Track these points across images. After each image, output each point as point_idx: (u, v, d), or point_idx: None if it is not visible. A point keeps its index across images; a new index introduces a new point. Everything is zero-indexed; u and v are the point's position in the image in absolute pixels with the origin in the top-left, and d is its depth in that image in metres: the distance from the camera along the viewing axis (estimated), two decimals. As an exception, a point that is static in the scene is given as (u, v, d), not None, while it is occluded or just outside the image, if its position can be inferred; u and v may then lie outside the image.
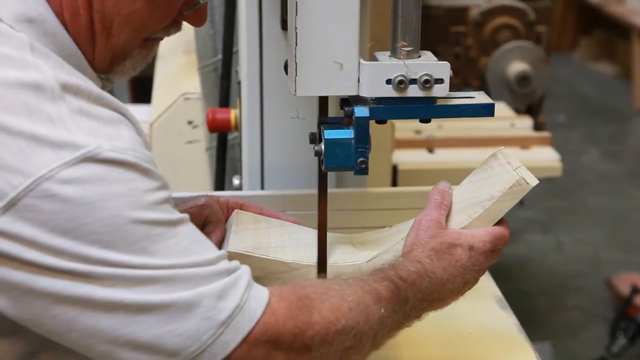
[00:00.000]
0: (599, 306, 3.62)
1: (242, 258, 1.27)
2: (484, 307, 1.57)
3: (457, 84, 3.03)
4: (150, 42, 1.19)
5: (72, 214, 0.97)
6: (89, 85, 1.04)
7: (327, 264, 1.33)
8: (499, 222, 1.30)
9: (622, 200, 4.66)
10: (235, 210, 1.40)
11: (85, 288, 0.98)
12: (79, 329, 1.00)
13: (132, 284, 0.99)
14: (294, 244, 1.36)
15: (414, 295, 1.19)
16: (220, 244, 1.35)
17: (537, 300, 3.62)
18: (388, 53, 1.27)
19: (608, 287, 3.66)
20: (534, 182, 1.27)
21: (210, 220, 1.38)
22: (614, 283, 3.61)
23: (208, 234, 1.20)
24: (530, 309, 3.48)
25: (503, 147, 1.36)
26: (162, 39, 1.21)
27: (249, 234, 1.35)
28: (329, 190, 1.37)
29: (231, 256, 1.25)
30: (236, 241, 1.33)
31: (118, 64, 1.17)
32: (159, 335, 1.00)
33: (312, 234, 1.37)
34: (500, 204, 1.28)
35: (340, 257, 1.35)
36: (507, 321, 1.54)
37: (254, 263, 1.23)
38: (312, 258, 1.34)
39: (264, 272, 1.28)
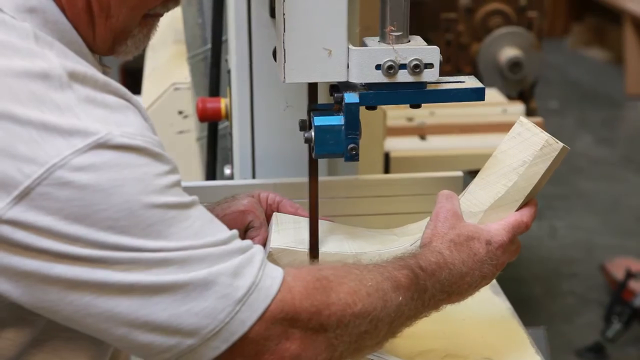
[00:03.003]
0: (594, 291, 3.63)
1: (287, 254, 1.30)
2: (477, 292, 1.57)
3: (449, 70, 3.02)
4: (150, 19, 1.18)
5: (87, 201, 0.97)
6: (94, 72, 1.04)
7: (371, 251, 1.32)
8: (529, 202, 1.30)
9: (616, 185, 4.66)
10: (275, 213, 1.40)
11: (101, 273, 0.99)
12: (95, 313, 1.00)
13: (148, 267, 1.00)
14: (335, 238, 1.37)
15: (432, 285, 1.18)
16: (264, 246, 1.33)
17: (532, 286, 3.63)
18: (377, 38, 1.25)
19: (602, 272, 3.66)
20: (560, 144, 1.28)
21: (253, 225, 1.39)
22: (608, 268, 3.61)
23: (251, 239, 1.19)
24: (525, 295, 3.49)
25: (522, 117, 1.37)
26: (162, 15, 1.19)
27: (290, 232, 1.36)
28: (321, 178, 1.36)
29: (276, 253, 1.29)
30: (278, 239, 1.34)
31: (120, 44, 1.16)
32: (176, 315, 1.00)
33: (351, 229, 1.38)
34: (534, 168, 1.28)
35: (384, 245, 1.35)
36: (501, 307, 1.54)
37: (298, 257, 1.26)
38: (355, 248, 1.34)
39: None
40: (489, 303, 1.53)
